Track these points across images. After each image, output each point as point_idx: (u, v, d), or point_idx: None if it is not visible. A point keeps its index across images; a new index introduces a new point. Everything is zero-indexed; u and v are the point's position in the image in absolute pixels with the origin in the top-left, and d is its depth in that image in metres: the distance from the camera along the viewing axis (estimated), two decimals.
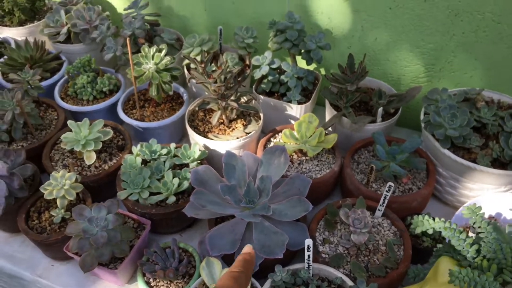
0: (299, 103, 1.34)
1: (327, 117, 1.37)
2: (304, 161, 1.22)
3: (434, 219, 0.95)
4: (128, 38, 1.16)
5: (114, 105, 1.37)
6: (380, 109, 1.25)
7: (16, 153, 1.13)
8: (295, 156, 1.23)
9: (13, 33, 1.61)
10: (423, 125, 1.20)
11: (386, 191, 1.04)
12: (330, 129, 1.35)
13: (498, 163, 1.11)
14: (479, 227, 0.89)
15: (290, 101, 1.33)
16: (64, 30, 1.52)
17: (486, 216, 1.10)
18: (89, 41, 1.51)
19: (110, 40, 1.40)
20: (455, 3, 1.18)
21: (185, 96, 1.38)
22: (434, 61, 1.32)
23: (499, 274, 0.79)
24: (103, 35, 1.44)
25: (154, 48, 1.23)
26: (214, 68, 1.29)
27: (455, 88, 1.29)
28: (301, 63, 1.40)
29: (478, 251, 0.84)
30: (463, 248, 0.84)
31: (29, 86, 1.31)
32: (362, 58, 1.26)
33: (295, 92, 1.33)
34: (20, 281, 1.16)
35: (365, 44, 1.38)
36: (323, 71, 1.51)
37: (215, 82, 1.16)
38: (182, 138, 1.44)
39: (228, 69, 1.17)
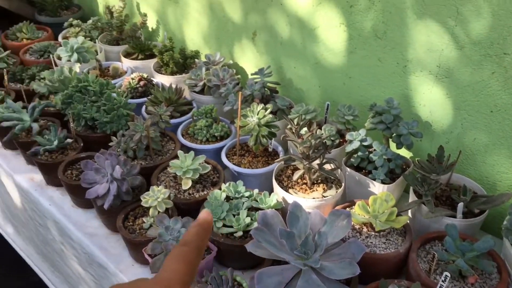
0: (383, 182, 1.40)
1: (409, 202, 1.39)
2: (373, 235, 1.26)
3: None
4: (241, 93, 1.38)
5: (221, 148, 1.59)
6: (461, 205, 1.24)
7: (133, 166, 1.39)
8: (364, 229, 1.28)
9: (164, 80, 1.98)
10: (503, 230, 1.16)
11: (442, 281, 1.03)
12: (410, 215, 1.37)
13: None
14: None
15: (374, 179, 1.40)
16: (201, 83, 1.83)
17: None
18: (217, 95, 1.79)
19: (232, 96, 1.66)
20: None
21: (281, 155, 1.54)
22: None
23: None
24: (228, 91, 1.71)
25: (261, 106, 1.43)
26: (306, 133, 1.44)
27: None
28: (393, 146, 1.47)
29: None
30: None
31: (160, 119, 1.61)
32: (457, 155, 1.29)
33: (381, 171, 1.40)
34: (105, 271, 1.37)
35: (463, 142, 1.41)
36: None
37: (304, 143, 1.30)
38: (270, 191, 1.58)
39: (318, 135, 1.31)
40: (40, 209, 1.61)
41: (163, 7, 2.20)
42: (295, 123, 1.37)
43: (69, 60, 1.90)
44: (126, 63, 2.11)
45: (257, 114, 1.43)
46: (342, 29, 1.54)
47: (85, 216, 1.51)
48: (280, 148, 1.57)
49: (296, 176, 1.34)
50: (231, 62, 1.96)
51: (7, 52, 2.15)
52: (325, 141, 1.33)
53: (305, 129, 1.42)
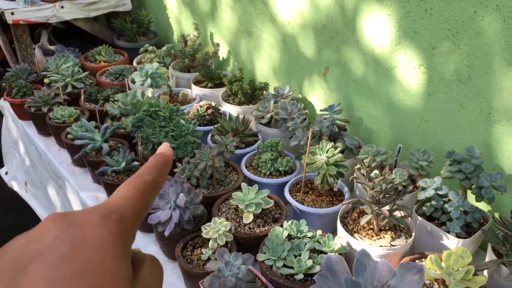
0: (458, 236, 1.29)
1: (486, 261, 1.27)
2: None
3: None
4: (311, 130, 1.34)
5: (284, 183, 1.55)
6: None
7: (196, 194, 1.38)
8: (435, 286, 1.18)
9: (231, 109, 1.99)
10: None
11: None
12: (485, 274, 1.25)
13: None
14: None
15: (448, 232, 1.30)
16: (268, 115, 1.82)
17: None
18: (284, 129, 1.76)
19: (300, 131, 1.63)
20: None
21: (346, 196, 1.47)
22: None
23: None
24: (295, 125, 1.68)
25: (330, 144, 1.39)
26: (379, 176, 1.37)
27: None
28: (471, 198, 1.36)
29: None
30: None
31: (225, 149, 1.60)
32: None
33: (457, 224, 1.29)
34: None
35: None
36: (496, 215, 1.42)
37: (375, 187, 1.23)
38: (332, 232, 1.51)
39: (391, 179, 1.24)
40: None
41: (236, 38, 2.23)
42: (366, 165, 1.31)
43: (142, 84, 1.96)
44: (195, 90, 2.15)
45: (326, 152, 1.38)
46: (421, 71, 1.47)
47: (144, 240, 1.51)
48: (346, 189, 1.51)
49: (363, 220, 1.27)
50: (299, 96, 1.94)
51: (86, 73, 2.26)
52: (397, 187, 1.25)
53: (375, 171, 1.35)
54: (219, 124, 1.81)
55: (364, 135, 1.75)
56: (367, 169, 1.27)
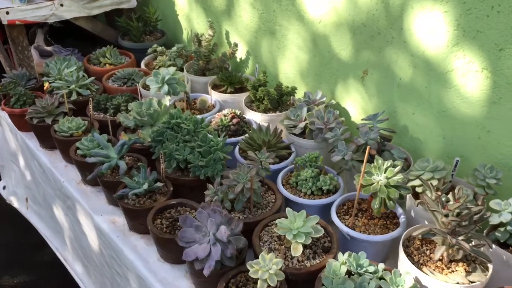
0: None
1: None
2: None
3: None
4: (368, 148, 1.17)
5: (328, 205, 1.37)
6: None
7: (236, 223, 1.19)
8: None
9: (257, 117, 1.80)
10: None
11: None
12: None
13: None
14: None
15: None
16: (301, 125, 1.63)
17: None
18: (320, 140, 1.58)
19: (343, 143, 1.45)
20: None
21: (402, 218, 1.30)
22: None
23: None
24: (336, 137, 1.50)
25: (388, 162, 1.21)
26: (449, 200, 1.20)
27: None
28: None
29: None
30: None
31: (260, 166, 1.41)
32: None
33: None
34: None
35: None
36: None
37: (448, 215, 1.06)
38: (385, 259, 1.34)
39: (467, 205, 1.06)
40: (121, 257, 1.44)
41: (256, 38, 2.04)
42: (435, 186, 1.14)
43: (158, 91, 1.76)
44: (214, 96, 1.95)
45: (385, 172, 1.20)
46: (484, 75, 1.30)
47: (173, 274, 1.32)
48: (400, 210, 1.33)
49: (437, 254, 1.10)
50: (332, 102, 1.76)
51: (92, 78, 2.05)
52: (473, 214, 1.08)
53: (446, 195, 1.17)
54: (247, 136, 1.62)
55: (410, 145, 1.58)
56: (438, 193, 1.09)
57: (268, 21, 1.94)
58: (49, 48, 2.71)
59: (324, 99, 1.74)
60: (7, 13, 2.15)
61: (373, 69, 1.61)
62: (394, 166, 1.21)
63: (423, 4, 1.37)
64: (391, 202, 1.20)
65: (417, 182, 1.32)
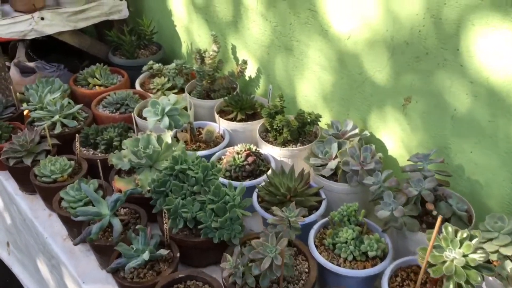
0: None
1: None
2: None
3: None
4: (440, 219, 0.89)
5: (376, 276, 1.10)
6: None
7: None
8: None
9: (274, 152, 1.52)
10: None
11: None
12: None
13: None
14: None
15: None
16: (332, 164, 1.36)
17: None
18: (355, 184, 1.31)
19: (390, 195, 1.17)
20: None
21: None
22: None
23: None
24: (379, 184, 1.22)
25: (464, 233, 0.93)
26: None
27: None
28: None
29: None
30: None
31: (288, 225, 1.13)
32: None
33: None
34: None
35: None
36: None
37: None
38: None
39: None
40: None
41: (269, 54, 1.75)
42: None
43: (157, 124, 1.48)
44: (222, 125, 1.67)
45: (459, 247, 0.92)
46: None
47: None
48: None
49: None
50: (366, 133, 1.47)
51: (79, 106, 1.76)
52: None
53: None
54: (267, 181, 1.34)
55: (466, 189, 1.30)
56: None
57: (283, 35, 1.66)
58: (31, 64, 2.40)
59: (356, 130, 1.46)
60: None
61: (418, 96, 1.33)
62: (471, 238, 0.93)
63: (488, 20, 1.09)
64: (469, 286, 0.92)
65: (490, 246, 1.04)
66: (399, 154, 1.45)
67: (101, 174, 1.41)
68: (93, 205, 1.27)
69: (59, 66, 2.40)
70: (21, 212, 1.61)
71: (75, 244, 1.23)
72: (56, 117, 1.68)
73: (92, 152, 1.61)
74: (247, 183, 1.40)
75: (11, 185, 1.67)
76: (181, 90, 1.94)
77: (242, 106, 1.70)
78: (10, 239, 1.93)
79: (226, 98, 1.75)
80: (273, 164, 1.48)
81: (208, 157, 1.52)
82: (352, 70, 1.48)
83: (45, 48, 2.62)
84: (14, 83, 2.20)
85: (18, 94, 1.93)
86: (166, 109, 1.46)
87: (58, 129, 1.67)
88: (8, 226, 1.87)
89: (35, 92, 1.80)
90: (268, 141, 1.57)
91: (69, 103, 1.76)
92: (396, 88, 1.37)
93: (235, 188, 1.25)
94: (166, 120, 1.46)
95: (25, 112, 1.88)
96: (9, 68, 2.32)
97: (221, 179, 1.37)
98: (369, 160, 1.32)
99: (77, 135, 1.53)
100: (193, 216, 1.19)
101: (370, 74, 1.42)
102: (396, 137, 1.43)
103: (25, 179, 1.54)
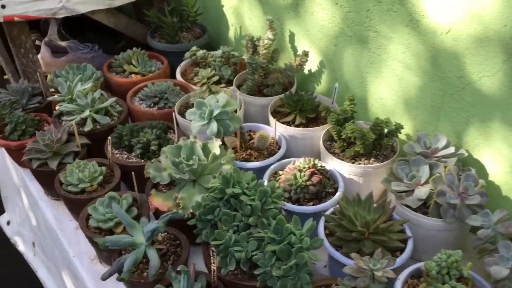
0: None
1: None
2: None
3: None
4: None
5: None
6: None
7: None
8: None
9: (342, 168, 1.26)
10: None
11: None
12: None
13: None
14: None
15: None
16: (421, 193, 1.08)
17: None
18: (452, 220, 1.03)
19: (508, 246, 0.89)
20: None
21: None
22: None
23: None
24: (491, 228, 0.94)
25: None
26: None
27: None
28: None
29: None
30: None
31: (372, 279, 0.88)
32: None
33: None
34: None
35: None
36: None
37: None
38: None
39: None
40: None
41: (336, 46, 1.46)
42: None
43: (203, 128, 1.23)
44: (278, 129, 1.40)
45: None
46: None
47: None
48: None
49: None
50: (463, 153, 1.18)
51: (113, 99, 1.53)
52: None
53: None
54: (338, 210, 1.07)
55: None
56: None
57: (357, 24, 1.36)
58: (63, 44, 2.19)
59: (452, 149, 1.17)
60: (3, 7, 1.63)
61: None
62: None
63: None
64: None
65: None
66: (503, 181, 1.15)
67: (135, 187, 1.18)
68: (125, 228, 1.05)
69: (93, 47, 2.17)
70: (46, 222, 1.41)
71: (104, 279, 1.01)
72: (87, 112, 1.45)
73: (126, 156, 1.38)
74: (311, 208, 1.14)
75: (35, 187, 1.48)
76: (228, 83, 1.68)
77: (302, 107, 1.43)
78: (36, 240, 1.75)
79: (283, 96, 1.48)
80: (341, 184, 1.21)
81: (261, 170, 1.27)
82: (448, 73, 1.18)
83: (79, 26, 2.39)
84: (44, 64, 2.01)
85: (49, 76, 1.72)
86: (215, 113, 1.21)
87: (88, 126, 1.44)
88: (33, 227, 1.69)
89: (64, 80, 1.58)
90: (333, 153, 1.30)
91: (101, 94, 1.53)
92: (509, 99, 1.07)
93: (299, 216, 0.99)
94: (214, 126, 1.21)
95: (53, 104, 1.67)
96: (39, 48, 2.12)
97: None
98: (471, 192, 1.04)
99: (109, 137, 1.30)
100: (248, 257, 0.95)
101: (475, 79, 1.12)
102: (503, 159, 1.13)
103: (50, 184, 1.33)
